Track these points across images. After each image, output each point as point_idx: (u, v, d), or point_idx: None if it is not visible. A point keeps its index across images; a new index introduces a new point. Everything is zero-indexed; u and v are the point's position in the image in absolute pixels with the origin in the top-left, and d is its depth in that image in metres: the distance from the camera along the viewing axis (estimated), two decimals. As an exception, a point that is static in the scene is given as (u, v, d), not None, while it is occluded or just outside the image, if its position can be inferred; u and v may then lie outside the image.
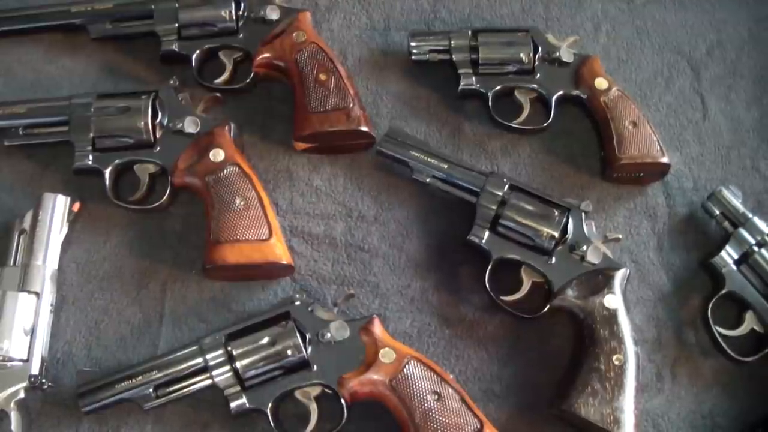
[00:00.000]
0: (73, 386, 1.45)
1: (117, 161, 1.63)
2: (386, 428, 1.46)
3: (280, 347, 1.43)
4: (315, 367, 1.44)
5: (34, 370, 1.46)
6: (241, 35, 1.75)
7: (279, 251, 1.56)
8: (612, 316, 1.51)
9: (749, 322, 1.59)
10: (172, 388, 1.45)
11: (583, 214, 1.59)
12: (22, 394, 1.46)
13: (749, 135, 1.82)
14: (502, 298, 1.58)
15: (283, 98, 1.77)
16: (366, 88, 1.82)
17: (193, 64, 1.74)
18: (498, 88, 1.75)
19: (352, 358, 1.45)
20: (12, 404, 1.44)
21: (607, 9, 1.94)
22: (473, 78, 1.75)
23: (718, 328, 1.59)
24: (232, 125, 1.66)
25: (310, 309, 1.48)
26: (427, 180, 1.64)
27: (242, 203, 1.57)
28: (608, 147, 1.70)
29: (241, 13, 1.75)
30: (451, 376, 1.49)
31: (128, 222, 1.66)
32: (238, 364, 1.42)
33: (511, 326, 1.61)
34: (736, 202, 1.64)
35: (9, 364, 1.45)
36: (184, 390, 1.45)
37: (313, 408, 1.46)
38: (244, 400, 1.43)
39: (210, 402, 1.49)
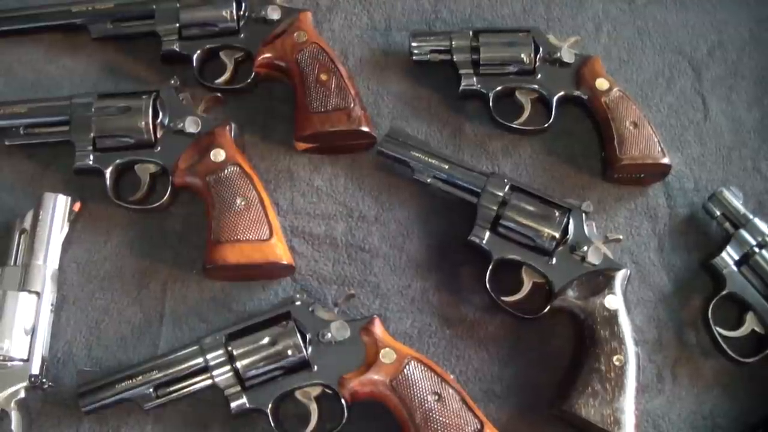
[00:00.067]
0: (74, 386, 1.45)
1: (118, 161, 1.63)
2: (386, 428, 1.46)
3: (281, 347, 1.43)
4: (315, 367, 1.44)
5: (35, 369, 1.46)
6: (242, 35, 1.75)
7: (280, 251, 1.56)
8: (612, 316, 1.51)
9: (750, 323, 1.59)
10: (172, 388, 1.45)
11: (583, 214, 1.59)
12: (22, 394, 1.46)
13: (750, 136, 1.82)
14: (502, 298, 1.58)
15: (284, 98, 1.77)
16: (367, 88, 1.82)
17: (194, 64, 1.74)
18: (499, 88, 1.75)
19: (353, 358, 1.45)
20: (12, 404, 1.44)
21: (608, 9, 1.94)
22: (474, 78, 1.75)
23: (718, 328, 1.59)
24: (233, 125, 1.66)
25: (310, 309, 1.48)
26: (428, 180, 1.64)
27: (243, 203, 1.57)
28: (609, 147, 1.70)
29: (242, 13, 1.75)
30: (452, 377, 1.49)
31: (129, 222, 1.66)
32: (239, 364, 1.42)
33: (511, 327, 1.61)
34: (737, 203, 1.64)
35: (9, 363, 1.45)
36: (185, 390, 1.45)
37: (314, 408, 1.46)
38: (244, 400, 1.43)
39: (210, 402, 1.49)
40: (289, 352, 1.43)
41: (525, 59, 1.74)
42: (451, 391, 1.43)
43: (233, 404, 1.43)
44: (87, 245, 1.64)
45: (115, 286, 1.62)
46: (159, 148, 1.63)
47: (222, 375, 1.43)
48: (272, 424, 1.43)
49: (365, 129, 1.68)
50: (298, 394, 1.46)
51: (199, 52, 1.74)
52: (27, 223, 1.57)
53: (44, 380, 1.47)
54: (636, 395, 1.47)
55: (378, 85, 1.83)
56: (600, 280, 1.55)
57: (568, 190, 1.72)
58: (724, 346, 1.57)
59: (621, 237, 1.62)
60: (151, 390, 1.43)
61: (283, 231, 1.63)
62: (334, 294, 1.62)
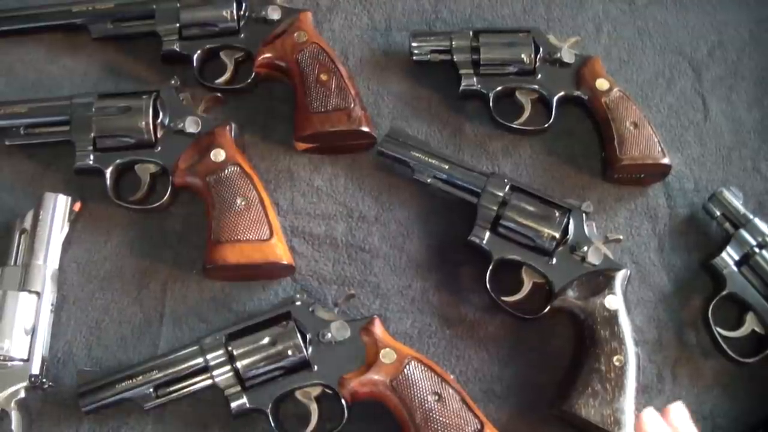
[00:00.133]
0: (74, 386, 1.45)
1: (118, 161, 1.63)
2: (386, 428, 1.46)
3: (281, 347, 1.43)
4: (315, 367, 1.44)
5: (35, 369, 1.46)
6: (242, 35, 1.75)
7: (280, 251, 1.56)
8: (613, 316, 1.51)
9: (750, 324, 1.59)
10: (172, 388, 1.45)
11: (584, 214, 1.59)
12: (22, 394, 1.46)
13: (750, 136, 1.82)
14: (502, 298, 1.58)
15: (284, 98, 1.77)
16: (367, 88, 1.82)
17: (195, 64, 1.74)
18: (499, 88, 1.74)
19: (353, 358, 1.45)
20: (12, 404, 1.44)
21: (608, 10, 1.94)
22: (474, 78, 1.75)
23: (718, 329, 1.59)
24: (233, 125, 1.66)
25: (310, 309, 1.48)
26: (428, 180, 1.64)
27: (243, 203, 1.57)
28: (609, 148, 1.70)
29: (242, 13, 1.75)
30: (452, 377, 1.49)
31: (129, 222, 1.66)
32: (239, 364, 1.42)
33: (511, 327, 1.61)
34: (737, 204, 1.64)
35: (9, 363, 1.45)
36: (185, 390, 1.45)
37: (314, 408, 1.46)
38: (244, 400, 1.43)
39: (210, 402, 1.49)
40: (290, 352, 1.43)
41: (525, 59, 1.74)
42: (451, 391, 1.43)
43: (233, 404, 1.43)
44: (87, 245, 1.64)
45: (115, 286, 1.62)
46: (159, 148, 1.63)
47: (222, 375, 1.43)
48: (272, 424, 1.43)
49: (365, 129, 1.68)
50: (298, 394, 1.46)
51: (199, 52, 1.74)
52: (27, 223, 1.57)
53: (44, 380, 1.47)
54: (636, 395, 1.47)
55: (378, 85, 1.83)
56: (600, 280, 1.55)
57: (568, 190, 1.72)
58: (724, 346, 1.57)
59: (621, 237, 1.62)
60: (151, 390, 1.43)
61: (283, 231, 1.63)
62: (334, 294, 1.62)
